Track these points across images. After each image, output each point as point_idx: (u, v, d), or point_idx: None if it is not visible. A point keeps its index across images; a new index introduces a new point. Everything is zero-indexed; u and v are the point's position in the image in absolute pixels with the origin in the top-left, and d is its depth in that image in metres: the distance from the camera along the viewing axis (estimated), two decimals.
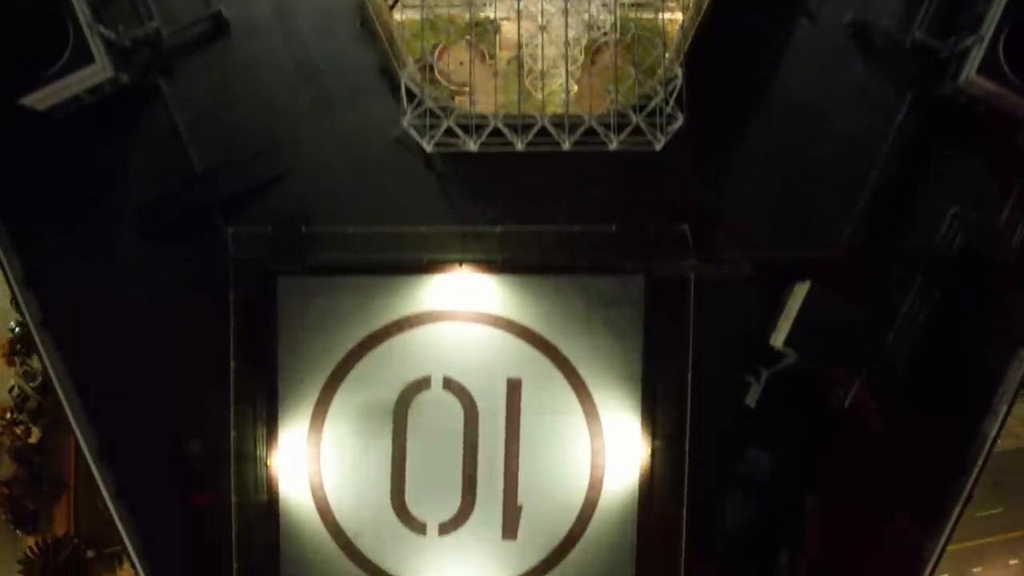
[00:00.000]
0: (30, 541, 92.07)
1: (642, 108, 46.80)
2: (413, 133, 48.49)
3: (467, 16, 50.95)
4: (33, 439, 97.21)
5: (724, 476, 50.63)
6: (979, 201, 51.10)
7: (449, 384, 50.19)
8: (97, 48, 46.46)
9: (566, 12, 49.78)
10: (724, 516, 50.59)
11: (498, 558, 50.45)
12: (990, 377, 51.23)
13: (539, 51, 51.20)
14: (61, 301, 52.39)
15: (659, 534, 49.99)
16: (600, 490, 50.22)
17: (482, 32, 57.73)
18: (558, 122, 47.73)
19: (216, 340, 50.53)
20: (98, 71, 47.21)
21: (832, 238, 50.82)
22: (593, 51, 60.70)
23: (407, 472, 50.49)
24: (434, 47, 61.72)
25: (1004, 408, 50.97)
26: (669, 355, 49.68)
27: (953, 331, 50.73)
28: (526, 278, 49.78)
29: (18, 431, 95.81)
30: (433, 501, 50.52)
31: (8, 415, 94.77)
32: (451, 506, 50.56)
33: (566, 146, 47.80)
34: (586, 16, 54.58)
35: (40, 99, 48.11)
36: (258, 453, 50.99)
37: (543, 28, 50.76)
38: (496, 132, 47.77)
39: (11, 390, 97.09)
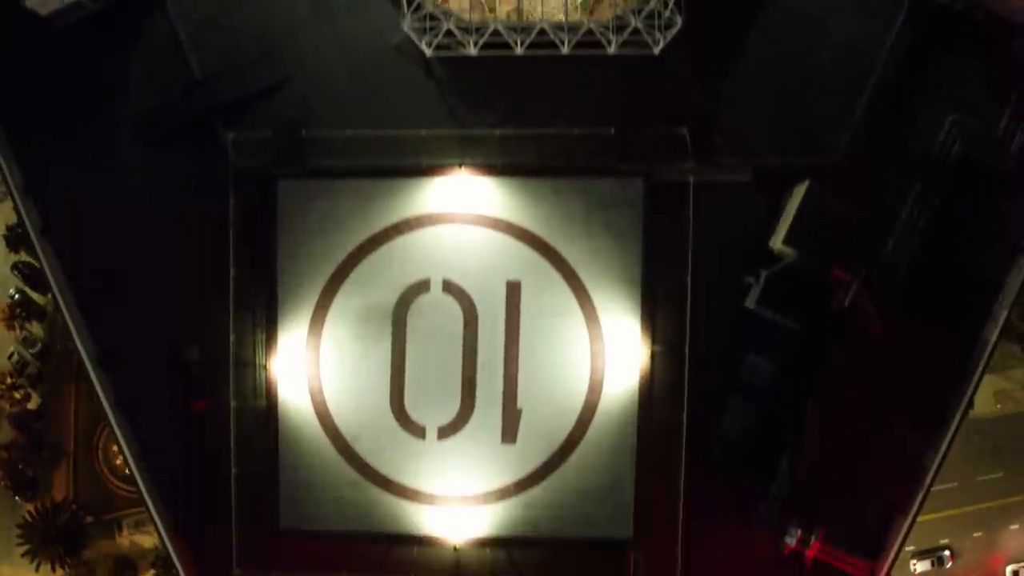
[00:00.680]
0: (29, 507, 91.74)
1: (640, 12, 47.01)
2: (413, 36, 48.71)
3: None
4: (32, 405, 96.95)
5: (724, 381, 50.29)
6: (977, 109, 51.04)
7: (449, 287, 50.15)
8: None
9: None
10: (724, 421, 50.13)
11: (498, 462, 50.22)
12: (990, 284, 50.98)
13: None
14: (61, 209, 52.66)
15: (659, 438, 49.78)
16: (600, 393, 50.01)
17: None
18: (558, 25, 47.92)
19: (215, 247, 50.76)
20: None
21: (830, 145, 50.75)
22: None
23: (406, 376, 50.39)
24: None
25: (1004, 314, 50.71)
26: (668, 258, 49.70)
27: (952, 238, 50.62)
28: (525, 181, 49.85)
29: (17, 395, 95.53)
30: (432, 405, 50.37)
31: (8, 379, 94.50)
32: (450, 410, 50.40)
33: (565, 50, 48.00)
34: None
35: (42, 2, 48.36)
36: (257, 358, 50.92)
37: None
38: (496, 35, 47.91)
39: (11, 356, 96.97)
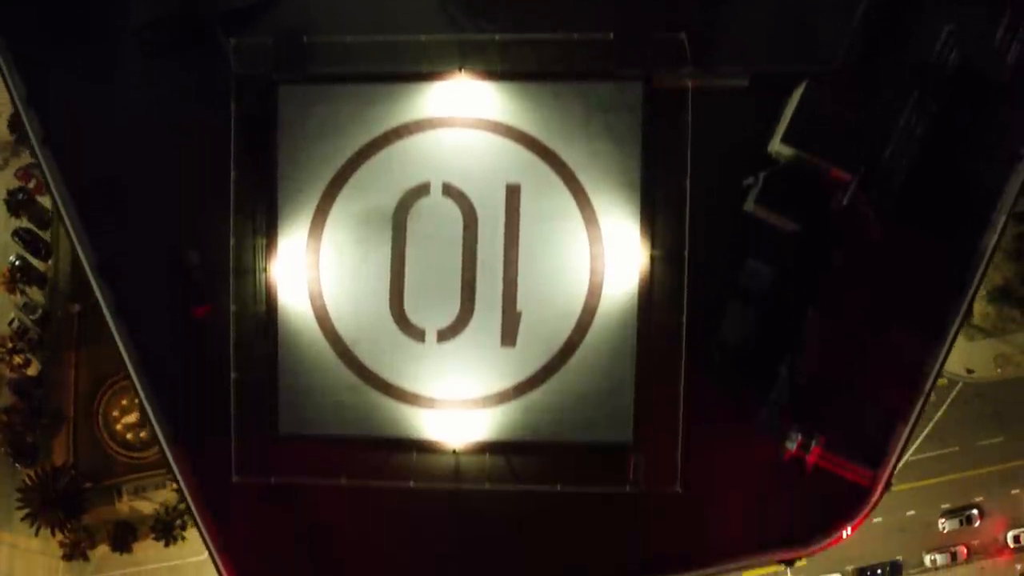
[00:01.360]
0: (29, 472, 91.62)
1: None
2: None
3: None
4: (32, 372, 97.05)
5: (724, 287, 50.39)
6: (974, 19, 51.29)
7: (448, 190, 50.22)
8: None
9: None
10: (723, 327, 50.14)
11: (497, 365, 50.09)
12: (988, 192, 51.15)
13: None
14: (62, 119, 52.84)
15: (659, 342, 49.57)
16: (599, 296, 49.94)
17: None
18: None
19: (216, 154, 50.64)
20: None
21: (828, 53, 50.90)
22: None
23: (406, 279, 50.35)
24: None
25: (1002, 221, 50.87)
26: (668, 163, 49.61)
27: (951, 146, 50.82)
28: (525, 84, 49.99)
29: (18, 359, 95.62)
30: (432, 308, 50.30)
31: (8, 343, 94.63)
32: (450, 313, 50.33)
33: None
34: None
35: None
36: (257, 263, 50.85)
37: None
38: None
39: (11, 322, 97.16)
